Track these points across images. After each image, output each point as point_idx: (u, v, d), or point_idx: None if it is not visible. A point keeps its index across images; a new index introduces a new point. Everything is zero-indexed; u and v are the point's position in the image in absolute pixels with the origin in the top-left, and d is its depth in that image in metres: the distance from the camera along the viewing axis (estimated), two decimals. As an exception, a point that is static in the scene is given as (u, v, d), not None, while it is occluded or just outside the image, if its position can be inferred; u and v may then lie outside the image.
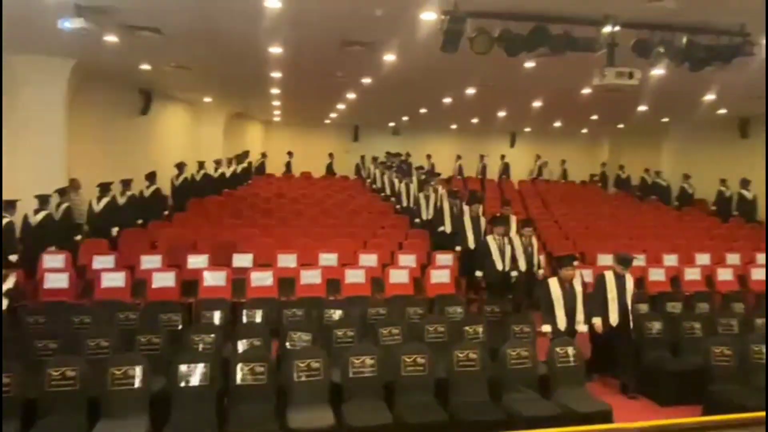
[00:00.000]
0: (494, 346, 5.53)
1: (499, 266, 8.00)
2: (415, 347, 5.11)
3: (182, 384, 4.56)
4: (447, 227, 9.91)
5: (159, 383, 4.77)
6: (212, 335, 5.49)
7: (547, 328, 6.03)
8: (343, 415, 4.55)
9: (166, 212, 11.70)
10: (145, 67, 10.24)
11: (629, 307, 6.25)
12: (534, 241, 8.38)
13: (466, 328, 5.98)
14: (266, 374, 4.67)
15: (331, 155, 19.26)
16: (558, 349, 5.20)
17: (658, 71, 8.58)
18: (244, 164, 16.04)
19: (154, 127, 13.98)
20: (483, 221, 9.24)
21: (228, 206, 12.20)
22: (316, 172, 18.56)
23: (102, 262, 8.03)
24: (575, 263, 6.41)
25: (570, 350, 5.21)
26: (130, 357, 4.66)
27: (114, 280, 7.46)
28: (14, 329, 5.84)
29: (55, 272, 7.49)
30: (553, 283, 6.17)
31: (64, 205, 9.06)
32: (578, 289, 6.19)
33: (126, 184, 10.45)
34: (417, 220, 11.04)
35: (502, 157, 19.57)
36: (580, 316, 6.09)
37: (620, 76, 6.06)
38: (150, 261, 8.17)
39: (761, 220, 13.32)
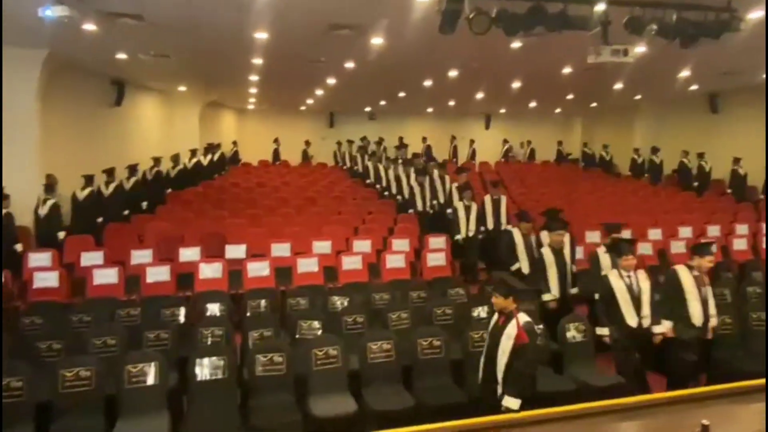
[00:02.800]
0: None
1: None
2: (431, 330, 5.14)
3: (199, 378, 4.48)
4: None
5: (171, 379, 4.68)
6: (222, 328, 5.40)
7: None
8: (365, 400, 4.54)
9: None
10: (121, 56, 9.91)
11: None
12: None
13: (473, 309, 6.01)
14: (284, 364, 4.63)
15: (307, 142, 19.09)
16: (569, 326, 5.28)
17: (639, 49, 8.70)
18: (218, 153, 15.77)
19: (128, 118, 13.56)
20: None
21: (209, 197, 11.98)
22: (293, 160, 18.37)
23: (90, 258, 7.81)
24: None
25: (580, 326, 5.29)
26: (144, 353, 4.56)
27: (106, 276, 7.25)
28: (10, 331, 5.63)
29: (43, 271, 7.24)
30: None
31: (51, 201, 8.74)
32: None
33: (110, 173, 10.42)
34: (458, 237, 9.03)
35: (471, 142, 19.72)
36: (646, 309, 5.23)
37: (615, 53, 6.13)
38: (141, 255, 7.97)
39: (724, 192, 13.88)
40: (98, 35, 8.06)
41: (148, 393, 4.34)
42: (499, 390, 4.03)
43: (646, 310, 5.20)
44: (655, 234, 9.76)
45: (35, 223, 9.08)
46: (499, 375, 4.05)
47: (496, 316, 4.25)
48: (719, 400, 2.86)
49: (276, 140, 18.66)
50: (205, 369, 4.53)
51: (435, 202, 10.77)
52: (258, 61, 10.30)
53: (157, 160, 12.95)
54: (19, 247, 7.88)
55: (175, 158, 13.72)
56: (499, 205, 9.37)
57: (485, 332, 5.09)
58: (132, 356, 4.47)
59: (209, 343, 5.30)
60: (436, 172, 11.13)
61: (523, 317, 4.09)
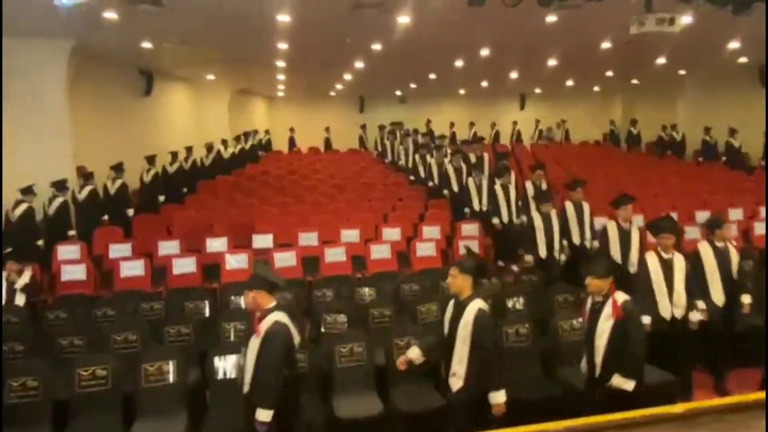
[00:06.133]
0: (536, 317, 5.27)
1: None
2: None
3: (219, 377, 4.30)
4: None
5: (192, 376, 4.53)
6: (244, 322, 5.21)
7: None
8: (392, 400, 4.29)
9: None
10: (146, 45, 9.80)
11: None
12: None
13: (507, 300, 5.68)
14: (307, 361, 4.42)
15: (327, 129, 18.81)
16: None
17: (686, 18, 8.12)
18: (253, 142, 15.71)
19: (157, 108, 13.57)
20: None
21: (240, 186, 11.88)
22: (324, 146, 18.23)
23: (118, 250, 7.74)
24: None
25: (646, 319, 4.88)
26: (162, 351, 4.41)
27: (133, 268, 7.17)
28: (35, 326, 5.59)
29: (71, 264, 7.21)
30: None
31: (88, 188, 8.83)
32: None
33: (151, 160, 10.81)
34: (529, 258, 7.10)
35: (514, 123, 19.12)
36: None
37: (660, 22, 5.64)
38: (168, 247, 7.88)
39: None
40: (120, 24, 7.93)
41: (166, 392, 4.18)
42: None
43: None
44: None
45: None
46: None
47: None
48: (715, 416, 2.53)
49: (291, 129, 18.54)
50: (226, 366, 4.36)
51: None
52: (282, 45, 10.07)
53: (189, 150, 12.98)
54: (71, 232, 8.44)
55: (209, 147, 13.71)
56: (581, 213, 7.30)
57: (521, 326, 4.82)
58: (148, 354, 4.32)
59: (231, 338, 5.13)
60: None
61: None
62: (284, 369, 3.51)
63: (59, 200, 8.56)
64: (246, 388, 3.57)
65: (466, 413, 3.70)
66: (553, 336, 4.78)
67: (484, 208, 8.67)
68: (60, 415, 4.10)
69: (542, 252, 6.87)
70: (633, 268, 5.72)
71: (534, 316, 5.41)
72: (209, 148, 13.67)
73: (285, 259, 7.46)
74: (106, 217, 9.26)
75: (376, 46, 10.35)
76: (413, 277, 6.75)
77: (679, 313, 4.79)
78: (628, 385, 3.71)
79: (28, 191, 8.03)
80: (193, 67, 13.03)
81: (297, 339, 3.71)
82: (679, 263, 4.89)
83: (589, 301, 4.01)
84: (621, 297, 3.84)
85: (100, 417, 4.04)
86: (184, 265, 7.27)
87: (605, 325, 3.82)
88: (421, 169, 11.64)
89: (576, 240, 7.19)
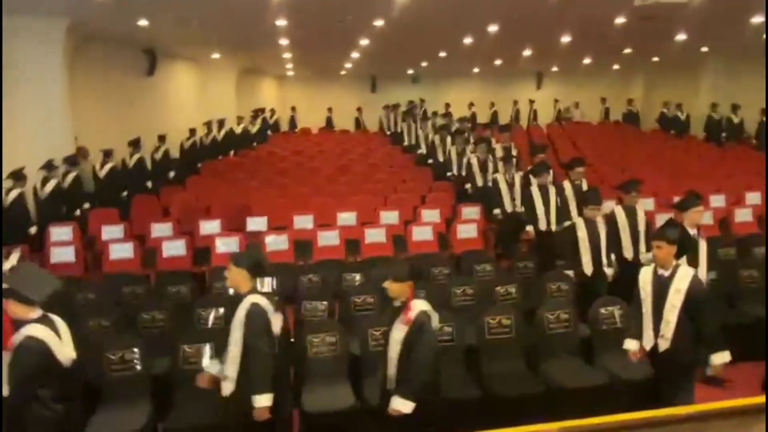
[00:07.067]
0: (529, 307, 5.02)
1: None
2: (442, 315, 4.57)
3: (184, 366, 4.15)
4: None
5: (163, 365, 4.39)
6: (222, 308, 5.04)
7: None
8: (364, 392, 4.11)
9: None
10: (143, 23, 9.60)
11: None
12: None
13: (498, 288, 5.43)
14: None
15: (329, 110, 18.67)
16: (602, 310, 4.63)
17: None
18: (258, 122, 15.55)
19: (161, 87, 13.45)
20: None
21: (244, 167, 11.73)
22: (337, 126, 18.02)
23: (111, 232, 7.66)
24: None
25: (616, 311, 4.64)
26: (126, 339, 4.26)
27: (122, 251, 7.08)
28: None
29: (60, 246, 7.13)
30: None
31: (72, 174, 8.64)
32: None
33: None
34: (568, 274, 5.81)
35: (531, 102, 18.60)
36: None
37: (666, -7, 5.22)
38: (161, 229, 7.77)
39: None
40: (114, 0, 7.77)
41: (129, 381, 4.06)
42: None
43: None
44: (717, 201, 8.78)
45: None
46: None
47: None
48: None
49: (293, 108, 18.54)
50: (193, 356, 4.21)
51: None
52: (281, 22, 9.78)
53: (209, 125, 13.22)
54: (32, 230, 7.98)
55: (221, 123, 13.65)
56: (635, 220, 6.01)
57: (504, 317, 4.58)
58: (113, 343, 4.18)
59: (209, 325, 4.98)
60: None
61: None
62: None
63: (72, 175, 8.70)
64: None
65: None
66: (538, 328, 4.52)
67: (517, 209, 7.52)
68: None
69: (587, 268, 5.55)
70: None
71: (527, 306, 5.18)
72: (221, 123, 13.64)
73: (277, 243, 7.29)
74: (125, 193, 9.52)
75: (379, 23, 10.00)
76: (403, 262, 6.50)
77: None
78: (406, 407, 3.18)
79: (19, 176, 7.86)
80: (197, 45, 12.83)
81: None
82: None
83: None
84: (419, 306, 3.38)
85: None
86: (174, 248, 7.16)
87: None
88: (440, 153, 10.86)
89: (627, 254, 5.87)
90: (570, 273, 5.57)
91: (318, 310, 5.09)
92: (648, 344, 3.86)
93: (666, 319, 3.73)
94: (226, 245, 7.07)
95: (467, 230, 7.63)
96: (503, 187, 7.74)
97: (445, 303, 5.21)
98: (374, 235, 7.49)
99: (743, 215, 8.27)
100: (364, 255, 7.30)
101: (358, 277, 6.01)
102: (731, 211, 8.34)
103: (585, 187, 7.09)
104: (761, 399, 2.43)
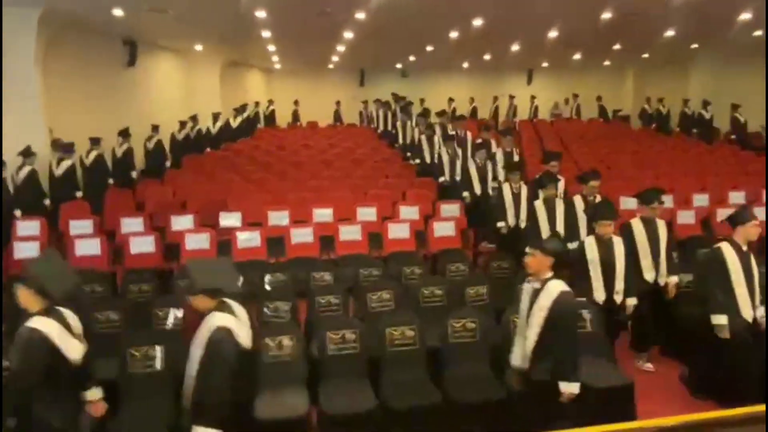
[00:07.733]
0: (502, 308, 4.86)
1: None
2: (406, 318, 4.43)
3: (132, 370, 3.97)
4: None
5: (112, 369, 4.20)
6: (181, 310, 4.87)
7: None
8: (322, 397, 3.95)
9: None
10: (118, 12, 9.36)
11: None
12: None
13: (468, 289, 5.28)
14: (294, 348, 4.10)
15: (296, 102, 18.42)
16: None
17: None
18: (250, 114, 15.36)
19: (142, 79, 13.18)
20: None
21: (226, 161, 11.53)
22: (323, 121, 17.75)
23: (79, 227, 7.46)
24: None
25: (587, 314, 4.49)
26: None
27: (89, 247, 6.88)
28: None
29: (25, 241, 6.93)
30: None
31: (27, 169, 8.42)
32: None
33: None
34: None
35: (511, 98, 18.46)
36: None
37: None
38: (131, 224, 7.55)
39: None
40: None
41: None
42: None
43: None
44: (701, 200, 8.66)
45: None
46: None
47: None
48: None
49: (295, 102, 18.34)
50: (144, 359, 4.04)
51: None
52: (261, 14, 9.57)
53: (194, 119, 13.16)
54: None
55: (216, 116, 13.65)
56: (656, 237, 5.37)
57: (469, 320, 4.43)
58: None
59: (169, 326, 4.81)
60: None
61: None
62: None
63: (67, 163, 8.94)
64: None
65: None
66: (504, 330, 4.37)
67: (522, 224, 6.94)
68: None
69: (598, 295, 4.82)
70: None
71: (498, 307, 5.03)
72: (216, 117, 13.62)
73: (248, 239, 7.11)
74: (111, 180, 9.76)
75: (360, 15, 9.80)
76: (376, 261, 6.38)
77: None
78: None
79: (28, 153, 8.32)
80: (179, 36, 12.60)
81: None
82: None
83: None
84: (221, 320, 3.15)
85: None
86: (143, 244, 6.96)
87: None
88: (426, 155, 10.18)
89: (648, 276, 5.13)
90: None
91: (281, 310, 4.91)
92: (516, 361, 3.64)
93: (527, 336, 3.45)
94: (196, 242, 6.90)
95: (444, 228, 7.47)
96: (507, 198, 7.07)
97: (416, 304, 5.07)
98: (349, 233, 7.33)
99: (725, 215, 8.12)
100: (338, 252, 7.14)
101: (327, 276, 5.85)
102: (713, 211, 8.21)
103: (598, 200, 6.19)
104: (761, 408, 2.42)
